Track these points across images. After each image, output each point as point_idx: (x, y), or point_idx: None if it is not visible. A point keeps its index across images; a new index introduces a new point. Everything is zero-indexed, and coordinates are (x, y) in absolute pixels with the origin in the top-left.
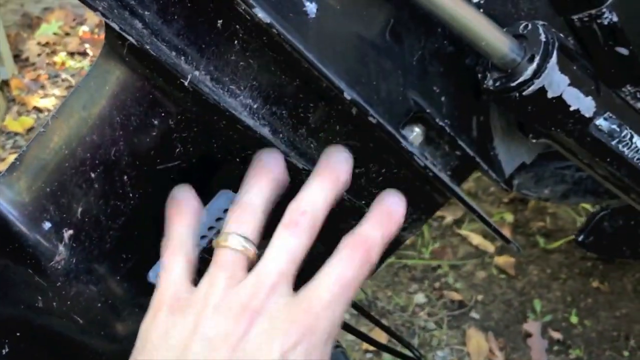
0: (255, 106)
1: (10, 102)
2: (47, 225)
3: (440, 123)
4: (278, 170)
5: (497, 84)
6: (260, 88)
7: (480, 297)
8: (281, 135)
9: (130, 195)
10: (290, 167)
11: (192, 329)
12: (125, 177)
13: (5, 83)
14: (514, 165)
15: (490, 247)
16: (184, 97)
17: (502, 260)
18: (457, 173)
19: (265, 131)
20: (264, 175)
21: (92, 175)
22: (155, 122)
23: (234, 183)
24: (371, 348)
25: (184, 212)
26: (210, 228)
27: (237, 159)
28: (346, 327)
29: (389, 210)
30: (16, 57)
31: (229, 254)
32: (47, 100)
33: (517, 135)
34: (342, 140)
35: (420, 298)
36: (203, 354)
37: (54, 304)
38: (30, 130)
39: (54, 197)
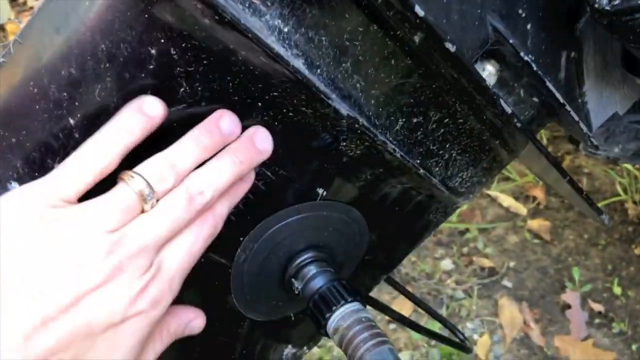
0: (286, 29)
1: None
2: (13, 185)
3: (525, 58)
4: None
5: (617, 2)
6: (293, 3)
7: (512, 264)
8: (319, 70)
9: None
10: (332, 114)
11: (58, 249)
12: None
13: (1, 28)
14: (604, 116)
15: (522, 210)
16: (191, 16)
17: (535, 223)
18: (530, 125)
19: (299, 64)
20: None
21: (71, 121)
22: (153, 52)
23: None
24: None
25: (136, 121)
26: None
27: (259, 103)
28: (374, 303)
29: (243, 185)
30: (12, 0)
31: (129, 194)
32: None
33: (614, 77)
34: (398, 80)
35: (447, 264)
36: (56, 280)
37: None
38: None
39: (22, 150)
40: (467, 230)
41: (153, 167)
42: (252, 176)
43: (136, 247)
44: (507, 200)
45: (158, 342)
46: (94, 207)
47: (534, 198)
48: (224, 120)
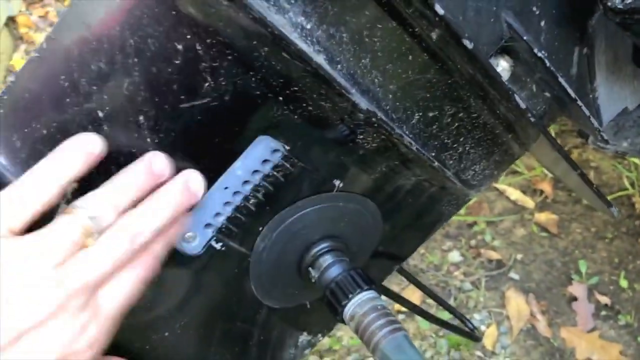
0: (308, 26)
1: (18, 40)
2: None
3: (539, 54)
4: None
5: (629, 0)
6: (316, 1)
7: (519, 257)
8: (339, 65)
9: (148, 140)
10: (351, 108)
11: None
12: (142, 117)
13: (12, 20)
14: (614, 111)
15: (529, 203)
16: (216, 13)
17: (543, 217)
18: (542, 120)
19: (321, 59)
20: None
21: (100, 114)
22: (180, 47)
23: (276, 127)
24: (403, 309)
25: (79, 155)
26: (246, 182)
27: (280, 97)
28: (386, 292)
29: (176, 227)
30: None
31: (73, 228)
32: None
33: (625, 73)
34: (415, 75)
35: (455, 256)
36: None
37: None
38: None
39: (53, 141)
40: (475, 223)
41: (96, 202)
42: (186, 220)
43: (79, 284)
44: (514, 194)
45: None
46: (40, 241)
47: (542, 191)
48: (156, 162)
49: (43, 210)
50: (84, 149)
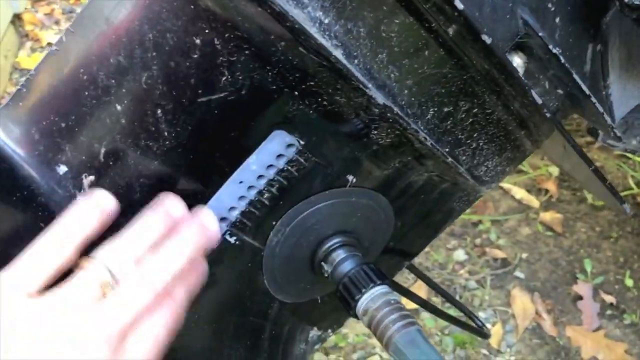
0: (326, 21)
1: (24, 38)
2: (62, 169)
3: (554, 51)
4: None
5: None
6: None
7: (524, 255)
8: (357, 60)
9: (165, 134)
10: (367, 103)
11: (18, 343)
12: (159, 111)
13: (18, 17)
14: (627, 108)
15: (534, 202)
16: (236, 7)
17: (548, 216)
18: (554, 116)
19: (339, 54)
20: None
21: (118, 107)
22: (198, 42)
23: (291, 121)
24: (410, 305)
25: (92, 214)
26: (260, 177)
27: (296, 92)
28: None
29: (197, 273)
30: None
31: (91, 282)
32: None
33: (638, 70)
34: (431, 70)
35: (460, 255)
36: None
37: None
38: None
39: (71, 134)
40: (480, 221)
41: (113, 254)
42: (204, 267)
43: (102, 338)
44: (519, 193)
45: None
46: (59, 301)
47: (547, 191)
48: (173, 208)
49: (60, 272)
50: (98, 208)
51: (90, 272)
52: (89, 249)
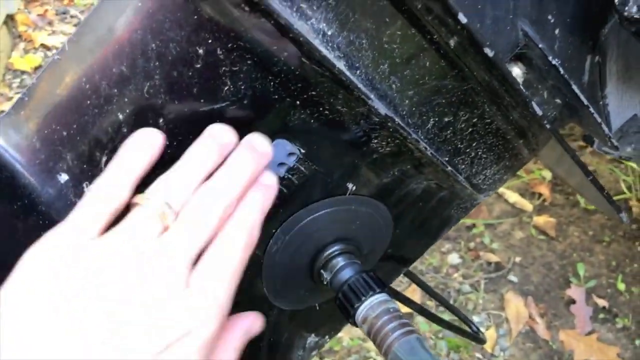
0: (329, 32)
1: (17, 39)
2: (63, 177)
3: (553, 62)
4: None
5: None
6: (337, 8)
7: (518, 259)
8: (359, 71)
9: (167, 143)
10: (368, 112)
11: (87, 286)
12: (162, 120)
13: (11, 18)
14: (624, 118)
15: (528, 206)
16: (240, 18)
17: (541, 220)
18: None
19: (341, 65)
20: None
21: (120, 116)
22: (201, 52)
23: (292, 130)
24: (405, 309)
25: (139, 150)
26: None
27: (298, 101)
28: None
29: (266, 190)
30: None
31: (149, 215)
32: (55, 38)
33: (635, 81)
34: (432, 81)
35: (454, 258)
36: (88, 318)
37: None
38: (37, 68)
39: (72, 143)
40: (474, 225)
41: (168, 187)
42: (274, 181)
43: (166, 270)
44: (513, 197)
45: (224, 353)
46: (123, 237)
47: (540, 195)
48: (221, 134)
49: (118, 210)
50: (147, 143)
51: (147, 207)
52: (142, 188)
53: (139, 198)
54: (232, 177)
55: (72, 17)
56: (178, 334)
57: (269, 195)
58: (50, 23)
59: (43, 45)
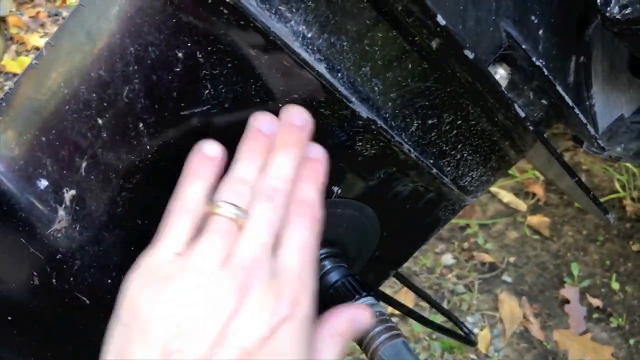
0: (309, 35)
1: (9, 41)
2: (42, 183)
3: (537, 63)
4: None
5: (628, 10)
6: (316, 10)
7: (512, 259)
8: (340, 74)
9: (147, 147)
10: (350, 116)
11: (184, 297)
12: (141, 125)
13: (3, 20)
14: (610, 118)
15: (522, 206)
16: (219, 21)
17: (535, 219)
18: (539, 127)
19: (322, 68)
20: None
21: (100, 121)
22: (180, 55)
23: None
24: (397, 312)
25: (203, 165)
26: None
27: (280, 105)
28: (382, 296)
29: (315, 164)
30: None
31: (223, 221)
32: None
33: (621, 81)
34: (414, 83)
35: (448, 259)
36: (195, 322)
37: (53, 280)
38: None
39: (52, 149)
40: (468, 225)
41: (230, 190)
42: (321, 153)
43: (249, 261)
44: (507, 197)
45: (329, 343)
46: (203, 249)
47: (534, 194)
48: (264, 124)
49: (198, 225)
50: (209, 157)
51: (220, 214)
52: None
53: (211, 207)
54: (283, 165)
55: (64, 18)
56: (277, 319)
57: (320, 168)
58: (42, 25)
59: (35, 48)
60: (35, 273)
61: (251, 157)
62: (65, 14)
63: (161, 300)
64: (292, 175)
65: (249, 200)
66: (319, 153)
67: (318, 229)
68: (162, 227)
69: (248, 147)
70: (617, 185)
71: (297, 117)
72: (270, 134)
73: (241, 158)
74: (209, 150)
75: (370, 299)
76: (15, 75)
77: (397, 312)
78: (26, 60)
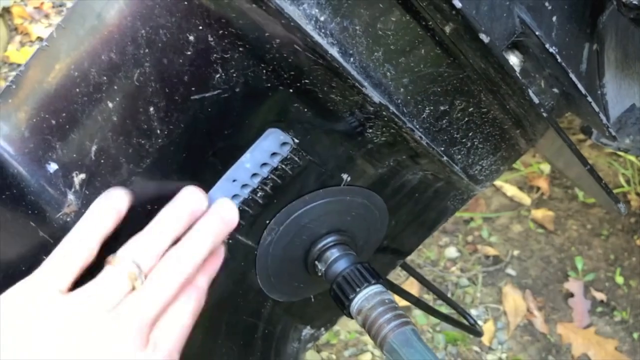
0: (322, 18)
1: (13, 32)
2: (52, 166)
3: (550, 50)
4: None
5: None
6: None
7: (516, 253)
8: (352, 58)
9: (158, 131)
10: (362, 101)
11: (45, 339)
12: (152, 109)
13: (7, 10)
14: (621, 107)
15: (526, 199)
16: (231, 4)
17: (539, 213)
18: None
19: (334, 52)
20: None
21: (110, 104)
22: (191, 38)
23: (285, 119)
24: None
25: (100, 216)
26: (254, 175)
27: (291, 90)
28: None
29: (218, 260)
30: None
31: (121, 275)
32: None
33: (634, 70)
34: (427, 69)
35: (452, 252)
36: None
37: None
38: None
39: (61, 132)
40: (472, 219)
41: (138, 249)
42: (222, 251)
43: (134, 326)
44: (511, 190)
45: None
46: (90, 294)
47: (538, 188)
48: (195, 203)
49: (85, 267)
50: (113, 206)
51: (118, 266)
52: (115, 247)
53: (111, 257)
54: (196, 247)
55: (69, 9)
56: None
57: (218, 266)
58: (46, 16)
59: (40, 38)
60: (44, 257)
61: (171, 227)
62: (69, 4)
63: (22, 337)
64: (200, 262)
65: (151, 265)
66: (222, 252)
67: (197, 315)
68: (50, 259)
69: (171, 216)
70: (622, 180)
71: (229, 212)
72: (194, 212)
73: (162, 224)
74: (119, 201)
75: (379, 287)
76: (19, 66)
77: (401, 303)
78: (30, 51)
